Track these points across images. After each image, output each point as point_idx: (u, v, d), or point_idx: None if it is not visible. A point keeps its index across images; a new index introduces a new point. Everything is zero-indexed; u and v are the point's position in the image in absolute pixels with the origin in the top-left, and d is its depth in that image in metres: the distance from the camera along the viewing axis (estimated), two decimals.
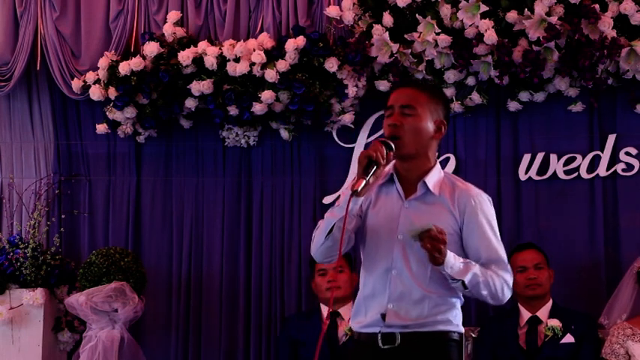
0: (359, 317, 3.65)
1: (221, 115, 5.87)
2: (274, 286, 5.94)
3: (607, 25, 5.22)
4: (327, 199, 5.90)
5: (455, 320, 3.59)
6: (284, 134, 5.94)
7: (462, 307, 5.55)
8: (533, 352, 5.11)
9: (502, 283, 3.52)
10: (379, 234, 3.59)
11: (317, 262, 5.33)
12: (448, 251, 3.41)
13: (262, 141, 6.05)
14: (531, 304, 5.24)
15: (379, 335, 3.55)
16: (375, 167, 3.41)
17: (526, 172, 5.66)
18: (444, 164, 5.73)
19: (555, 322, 5.11)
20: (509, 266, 3.56)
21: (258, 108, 5.73)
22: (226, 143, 6.06)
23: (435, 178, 3.60)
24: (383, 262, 3.57)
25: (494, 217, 3.61)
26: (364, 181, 3.39)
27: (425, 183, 3.57)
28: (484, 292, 3.50)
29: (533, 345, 5.13)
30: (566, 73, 5.41)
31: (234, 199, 6.08)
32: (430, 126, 3.58)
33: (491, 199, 3.62)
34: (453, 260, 3.43)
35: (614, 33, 5.23)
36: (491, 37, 5.34)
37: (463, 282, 3.46)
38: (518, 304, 5.28)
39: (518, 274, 5.24)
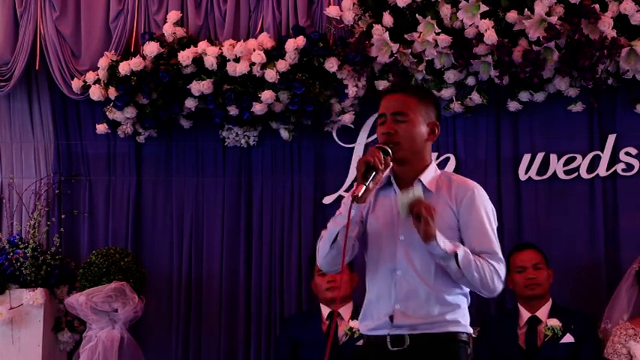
0: (366, 321, 3.67)
1: (221, 115, 5.87)
2: (274, 285, 5.94)
3: (607, 25, 5.22)
4: (327, 199, 5.90)
5: (463, 320, 3.61)
6: (284, 134, 5.94)
7: None
8: (532, 351, 5.11)
9: (492, 272, 3.54)
10: (381, 237, 3.62)
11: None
12: (438, 233, 3.44)
13: (262, 141, 6.05)
14: (531, 304, 5.24)
15: (388, 337, 3.57)
16: (373, 173, 3.45)
17: (526, 172, 5.65)
18: (444, 164, 5.74)
19: (555, 322, 5.11)
20: (502, 259, 3.58)
21: (258, 108, 5.73)
22: (226, 143, 6.06)
23: (430, 175, 3.66)
24: (387, 263, 3.60)
25: (492, 211, 3.65)
26: (364, 187, 3.43)
27: (420, 181, 3.62)
28: (476, 275, 3.50)
29: (533, 345, 5.13)
30: (566, 73, 5.40)
31: (234, 199, 6.08)
32: (424, 129, 3.65)
33: (486, 194, 3.66)
34: (443, 237, 3.46)
35: (614, 33, 5.23)
36: (491, 37, 5.34)
37: (456, 259, 3.46)
38: (518, 304, 5.28)
39: (518, 274, 5.25)
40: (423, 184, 3.61)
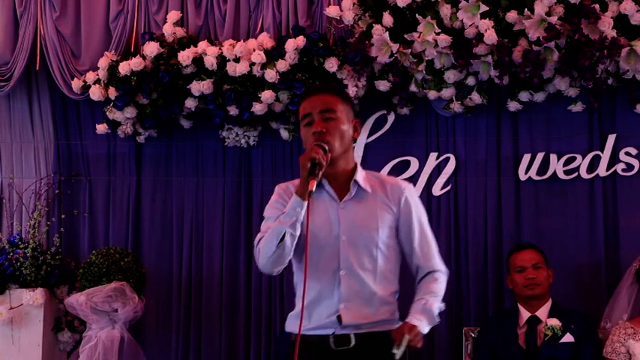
0: (304, 320, 3.60)
1: (221, 115, 5.87)
2: (274, 285, 5.94)
3: (607, 25, 5.22)
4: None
5: (397, 317, 3.69)
6: (284, 134, 5.94)
7: (463, 307, 5.64)
8: (532, 351, 5.11)
9: (442, 286, 3.70)
10: (319, 239, 3.62)
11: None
12: (414, 321, 3.53)
13: (262, 141, 6.06)
14: (530, 304, 5.24)
15: (332, 337, 3.60)
16: (318, 169, 3.49)
17: (526, 172, 5.66)
18: (444, 164, 5.75)
19: (555, 322, 5.11)
20: (438, 256, 3.74)
21: (258, 108, 5.73)
22: (226, 143, 6.06)
23: (362, 175, 3.73)
24: (329, 264, 3.62)
25: (422, 207, 3.77)
26: (316, 182, 3.47)
27: (356, 182, 3.68)
28: (441, 305, 3.67)
29: (533, 345, 5.13)
30: (566, 73, 5.40)
31: (234, 199, 6.08)
32: (349, 127, 3.70)
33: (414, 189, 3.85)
34: (425, 324, 3.57)
35: (614, 33, 5.23)
36: (491, 37, 5.34)
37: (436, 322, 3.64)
38: (518, 304, 5.28)
39: (517, 274, 5.25)
40: (358, 183, 3.68)
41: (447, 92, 5.59)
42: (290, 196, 3.59)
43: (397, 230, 3.68)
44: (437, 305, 3.63)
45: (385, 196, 3.69)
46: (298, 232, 3.56)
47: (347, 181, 3.68)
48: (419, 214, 3.73)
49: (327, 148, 3.55)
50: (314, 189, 3.46)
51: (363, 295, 3.61)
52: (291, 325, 3.70)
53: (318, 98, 3.71)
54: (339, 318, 3.59)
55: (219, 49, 5.81)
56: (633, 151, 5.52)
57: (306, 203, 3.50)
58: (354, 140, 3.74)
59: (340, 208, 3.62)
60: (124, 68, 5.84)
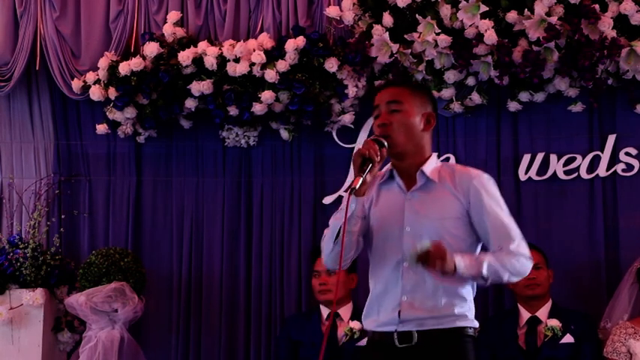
0: (372, 316, 3.64)
1: (221, 116, 5.87)
2: (274, 285, 5.94)
3: (607, 25, 5.22)
4: (327, 200, 5.90)
5: (470, 314, 3.59)
6: (284, 134, 5.94)
7: None
8: (532, 352, 5.11)
9: (518, 258, 3.52)
10: (386, 230, 3.60)
11: (315, 263, 5.37)
12: (455, 256, 3.42)
13: (262, 141, 6.05)
14: (531, 304, 5.24)
15: (395, 334, 3.54)
16: (370, 165, 3.45)
17: (526, 173, 5.65)
18: None
19: (555, 322, 5.11)
20: (519, 236, 3.56)
21: (258, 108, 5.73)
22: (226, 143, 6.06)
23: (432, 166, 3.64)
24: (393, 256, 3.57)
25: (499, 194, 3.63)
26: (361, 179, 3.43)
27: (423, 172, 3.60)
28: (505, 276, 3.51)
29: (533, 345, 5.13)
30: (566, 74, 5.40)
31: (234, 199, 6.08)
32: (418, 120, 3.63)
33: (492, 178, 3.67)
34: (463, 263, 3.43)
35: (614, 33, 5.23)
36: (491, 37, 5.34)
37: (483, 277, 3.46)
38: (518, 304, 5.28)
39: None
40: (425, 174, 3.60)
41: (447, 92, 5.59)
42: (369, 190, 3.59)
43: (470, 220, 3.57)
44: (489, 262, 3.46)
45: (453, 186, 3.59)
46: (356, 228, 3.53)
47: (416, 173, 3.62)
48: (491, 201, 3.57)
49: (384, 142, 3.51)
50: (357, 186, 3.42)
51: (427, 287, 3.51)
52: (365, 321, 3.68)
53: (387, 91, 3.69)
54: (398, 313, 3.53)
55: (219, 49, 5.81)
56: (633, 151, 5.52)
57: (361, 199, 3.49)
58: (428, 133, 3.66)
59: (407, 199, 3.57)
60: (124, 68, 5.84)
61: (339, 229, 3.51)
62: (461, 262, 3.43)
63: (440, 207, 3.53)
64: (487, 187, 3.61)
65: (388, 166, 3.66)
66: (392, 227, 3.57)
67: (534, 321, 5.20)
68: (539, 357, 5.08)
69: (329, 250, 3.60)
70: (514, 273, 3.53)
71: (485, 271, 3.45)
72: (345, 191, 3.48)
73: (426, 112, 3.66)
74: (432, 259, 3.36)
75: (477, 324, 3.59)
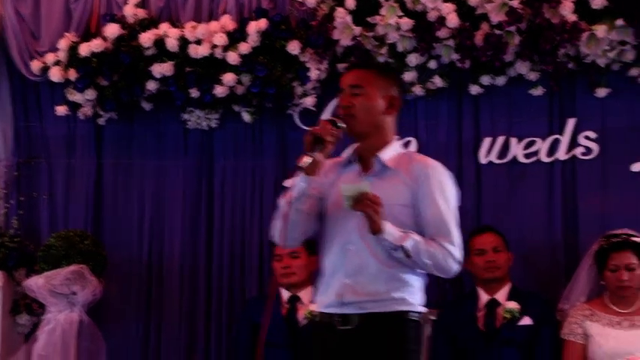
0: (321, 297, 3.68)
1: (182, 98, 5.84)
2: (235, 268, 5.92)
3: (568, 9, 5.23)
4: (289, 182, 5.86)
5: (412, 299, 3.59)
6: (246, 117, 5.91)
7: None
8: (491, 334, 5.12)
9: (446, 255, 3.56)
10: (337, 212, 3.62)
11: (277, 246, 5.37)
12: (387, 221, 3.46)
13: (224, 124, 6.02)
14: (490, 287, 5.25)
15: (337, 316, 3.57)
16: (320, 144, 3.47)
17: (487, 156, 5.66)
18: (405, 148, 5.73)
19: (513, 305, 5.13)
20: (457, 239, 3.61)
21: (219, 90, 5.71)
22: (188, 126, 6.02)
23: (390, 153, 3.68)
24: (340, 238, 3.60)
25: (452, 191, 3.67)
26: (309, 158, 3.46)
27: (379, 158, 3.63)
28: (428, 262, 3.53)
29: (492, 327, 5.14)
30: (527, 57, 5.41)
31: (196, 182, 6.05)
32: (380, 103, 3.67)
33: (451, 175, 3.70)
34: (391, 228, 3.47)
35: (574, 17, 5.24)
36: (453, 20, 5.34)
37: (404, 249, 3.47)
38: (477, 287, 5.30)
39: (477, 257, 5.26)
40: (380, 161, 3.63)
41: (409, 75, 5.59)
42: (330, 172, 3.65)
43: (417, 210, 3.60)
44: (417, 241, 3.50)
45: (407, 174, 3.62)
46: (304, 207, 3.56)
47: (374, 158, 3.67)
48: (439, 194, 3.61)
49: (338, 122, 3.56)
50: (303, 165, 3.47)
51: (369, 270, 3.55)
52: (316, 301, 3.72)
53: (351, 74, 3.75)
54: (340, 295, 3.56)
55: (181, 31, 5.79)
56: (592, 134, 5.53)
57: (312, 178, 3.52)
58: (391, 117, 3.72)
59: (360, 184, 3.56)
60: (84, 50, 5.80)
61: (287, 207, 3.55)
62: (390, 227, 3.46)
63: (391, 194, 3.55)
64: (440, 179, 3.65)
65: (352, 148, 3.71)
66: (342, 210, 3.57)
67: (493, 303, 5.21)
68: (498, 339, 5.10)
69: (279, 228, 3.63)
70: (436, 266, 3.56)
71: (408, 245, 3.48)
72: (297, 165, 3.48)
73: (388, 94, 3.70)
74: (367, 204, 3.39)
75: (421, 309, 3.61)
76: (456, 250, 3.60)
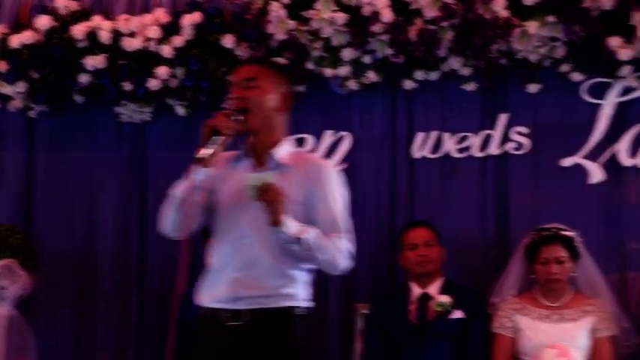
0: (206, 291, 3.69)
1: (115, 91, 5.79)
2: (167, 263, 5.88)
3: (500, 6, 5.27)
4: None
5: (302, 295, 3.67)
6: (180, 110, 5.88)
7: (355, 284, 5.65)
8: (423, 327, 5.15)
9: (339, 250, 3.64)
10: (230, 207, 3.66)
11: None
12: (286, 215, 3.51)
13: (158, 117, 5.98)
14: (422, 281, 5.28)
15: (227, 311, 3.60)
16: (217, 136, 3.51)
17: (420, 150, 5.69)
18: (340, 142, 5.75)
19: (445, 298, 5.16)
20: (349, 236, 3.70)
21: (153, 84, 5.67)
22: (121, 119, 5.97)
23: (283, 150, 3.73)
24: (234, 232, 3.64)
25: (344, 191, 3.75)
26: (205, 150, 3.48)
27: (272, 155, 3.69)
28: (320, 257, 3.59)
29: (424, 321, 5.17)
30: (461, 53, 5.44)
31: (129, 175, 6.01)
32: (274, 99, 3.72)
33: (340, 172, 3.81)
34: (291, 221, 3.52)
35: (507, 13, 5.29)
36: (387, 15, 5.36)
37: (304, 241, 3.52)
38: (410, 282, 5.32)
39: (410, 251, 5.29)
40: (274, 158, 3.68)
41: (344, 70, 5.59)
42: (221, 166, 3.66)
43: (308, 208, 3.66)
44: (316, 234, 3.57)
45: (301, 172, 3.67)
46: (197, 198, 3.57)
47: (267, 155, 3.70)
48: (330, 192, 3.68)
49: (235, 116, 3.59)
50: (200, 156, 3.48)
51: (261, 265, 3.59)
52: (199, 295, 3.71)
53: (244, 68, 3.78)
54: (230, 290, 3.58)
55: (114, 23, 5.73)
56: (524, 130, 5.59)
57: (205, 170, 3.53)
58: (284, 114, 3.76)
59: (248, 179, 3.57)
60: (14, 41, 5.73)
61: (181, 197, 3.58)
62: (290, 220, 3.51)
63: (286, 190, 3.56)
64: (333, 178, 3.73)
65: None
66: (236, 205, 3.62)
67: (425, 297, 5.24)
68: (430, 332, 5.12)
69: (169, 219, 3.65)
70: (329, 261, 3.63)
71: (308, 237, 3.53)
72: (194, 157, 3.49)
73: (282, 91, 3.75)
74: (272, 194, 3.43)
75: (309, 304, 3.69)
76: (347, 245, 3.68)
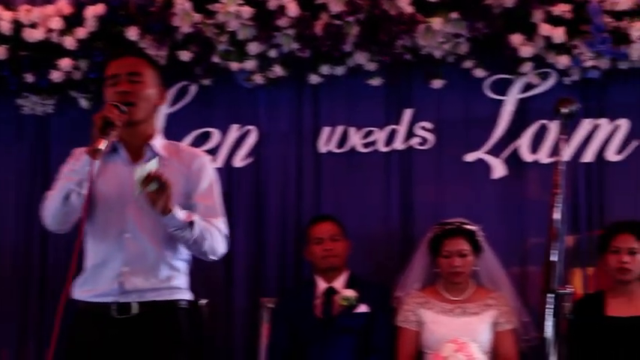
0: (87, 286, 3.68)
1: (17, 83, 5.68)
2: (69, 260, 5.78)
3: (405, 2, 5.32)
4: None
5: (185, 286, 3.76)
6: (83, 103, 5.79)
7: (261, 278, 5.65)
8: (328, 321, 5.18)
9: (219, 235, 3.73)
10: (109, 201, 3.66)
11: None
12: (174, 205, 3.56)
13: (61, 110, 5.89)
14: (328, 275, 5.31)
15: (114, 305, 3.61)
16: (111, 128, 3.50)
17: (326, 145, 5.72)
18: (245, 136, 5.74)
19: (350, 293, 5.19)
20: (225, 221, 3.80)
21: (55, 76, 5.59)
22: (22, 111, 5.86)
23: (160, 142, 3.80)
24: (116, 226, 3.64)
25: (216, 177, 3.85)
26: (104, 141, 3.47)
27: (151, 147, 3.74)
28: (207, 242, 3.65)
29: (329, 315, 5.20)
30: (366, 48, 5.48)
31: (31, 168, 5.91)
32: (155, 92, 3.79)
33: (211, 160, 3.94)
34: (177, 208, 3.57)
35: (412, 9, 5.34)
36: (293, 9, 5.36)
37: (193, 224, 3.58)
38: (315, 276, 5.34)
39: (315, 245, 5.31)
40: (152, 149, 3.74)
41: (249, 64, 5.58)
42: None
43: (187, 197, 3.72)
44: (200, 219, 3.64)
45: (178, 163, 3.75)
46: (85, 191, 3.53)
47: (143, 147, 3.73)
48: (206, 181, 3.78)
49: (123, 108, 3.58)
50: (102, 147, 3.46)
51: (148, 259, 3.63)
52: (76, 291, 3.69)
53: (127, 60, 3.79)
54: (121, 284, 3.59)
55: (15, 14, 5.63)
56: (428, 125, 5.66)
57: (95, 162, 3.49)
58: (159, 108, 3.83)
59: (132, 172, 3.57)
60: None
61: (70, 190, 3.54)
62: (176, 207, 3.56)
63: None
64: (208, 167, 3.83)
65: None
66: (116, 199, 3.65)
67: (331, 291, 5.27)
68: (335, 326, 5.16)
69: (55, 210, 3.62)
70: (213, 245, 3.70)
71: (197, 220, 3.60)
72: (93, 149, 3.45)
73: (159, 86, 3.83)
74: (160, 182, 3.45)
75: (190, 296, 3.76)
76: (225, 228, 3.78)
